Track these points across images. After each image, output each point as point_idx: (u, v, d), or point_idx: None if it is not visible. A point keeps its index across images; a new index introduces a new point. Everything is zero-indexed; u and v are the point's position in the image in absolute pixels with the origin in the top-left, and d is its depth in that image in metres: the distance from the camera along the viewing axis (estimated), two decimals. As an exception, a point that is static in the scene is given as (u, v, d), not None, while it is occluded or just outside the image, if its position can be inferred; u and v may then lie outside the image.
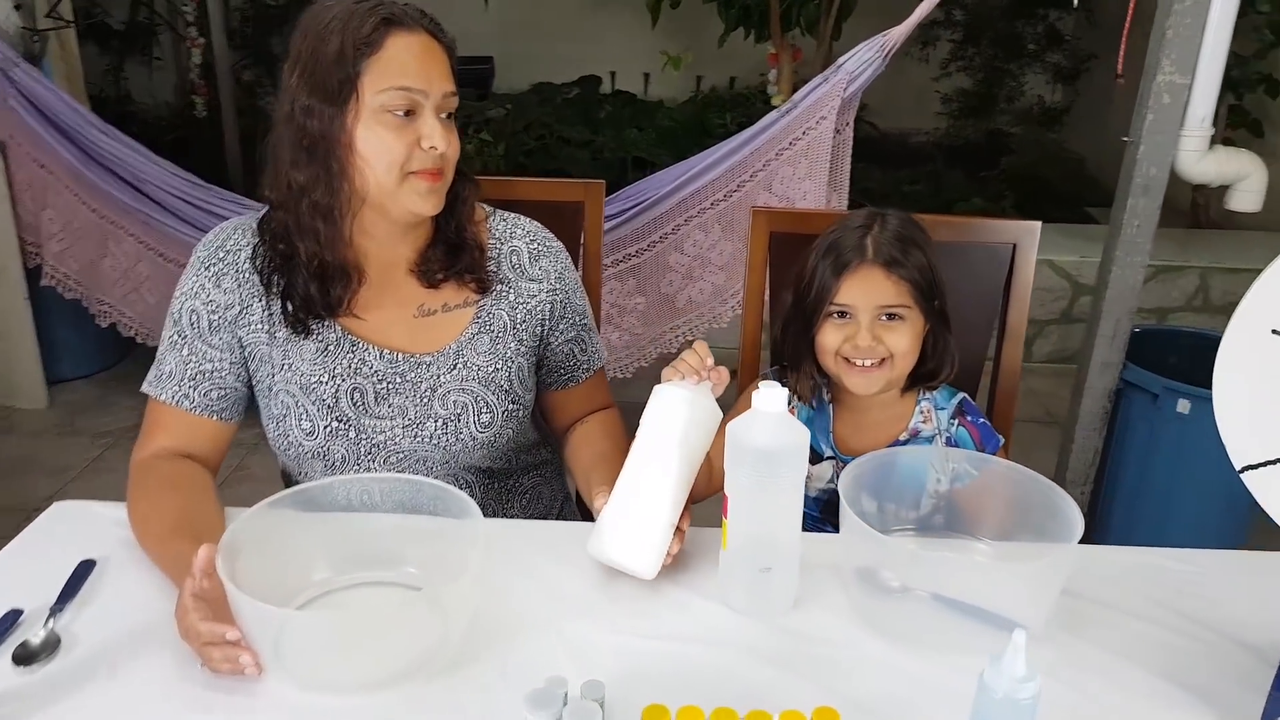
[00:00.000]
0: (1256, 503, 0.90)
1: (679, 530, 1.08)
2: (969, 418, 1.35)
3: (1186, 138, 2.04)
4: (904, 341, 1.27)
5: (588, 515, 1.43)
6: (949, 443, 1.34)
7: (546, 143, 4.85)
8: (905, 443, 1.34)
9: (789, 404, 1.35)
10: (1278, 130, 3.34)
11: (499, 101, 5.26)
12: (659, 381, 1.11)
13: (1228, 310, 3.22)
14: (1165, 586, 1.13)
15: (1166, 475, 2.24)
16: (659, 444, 1.07)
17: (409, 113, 1.13)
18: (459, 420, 1.24)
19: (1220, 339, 0.90)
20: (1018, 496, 1.11)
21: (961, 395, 1.37)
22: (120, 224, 2.66)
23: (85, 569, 1.09)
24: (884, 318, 1.27)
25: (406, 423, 1.23)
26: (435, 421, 1.24)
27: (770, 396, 1.02)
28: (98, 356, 3.38)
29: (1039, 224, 1.51)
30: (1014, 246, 1.51)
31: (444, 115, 1.17)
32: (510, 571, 1.10)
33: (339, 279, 1.20)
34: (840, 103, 2.21)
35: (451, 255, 1.26)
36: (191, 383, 1.22)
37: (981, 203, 4.52)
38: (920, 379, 1.34)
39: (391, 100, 1.12)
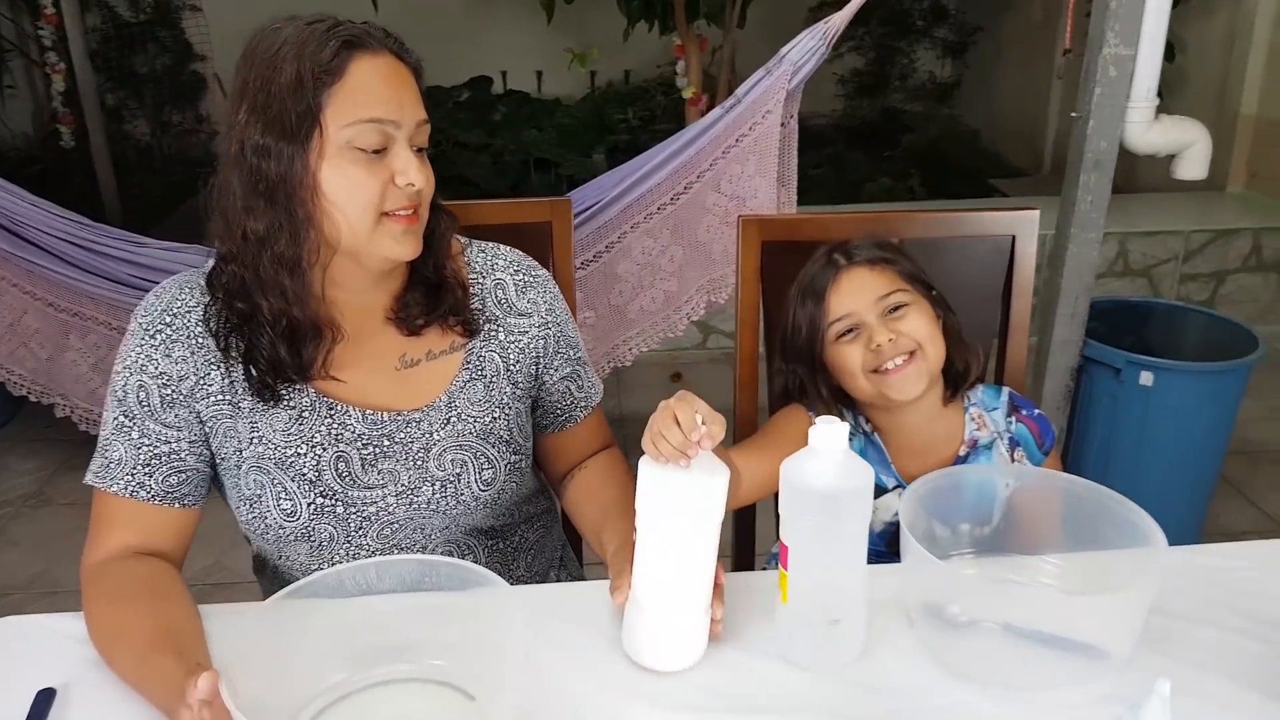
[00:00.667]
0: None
1: (716, 591, 0.99)
2: (1024, 411, 1.29)
3: (1133, 109, 2.03)
4: (922, 325, 1.19)
5: (590, 555, 1.34)
6: (1011, 443, 1.28)
7: (443, 149, 4.67)
8: (966, 456, 1.27)
9: None
10: (1172, 93, 3.42)
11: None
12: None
13: (1147, 273, 3.30)
14: (1222, 587, 1.08)
15: (1132, 449, 2.25)
16: (667, 534, 0.94)
17: (380, 150, 1.01)
18: (459, 480, 1.12)
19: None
20: (1080, 508, 1.05)
21: (1007, 390, 1.31)
22: (82, 314, 2.43)
23: (45, 699, 0.93)
24: (890, 311, 1.20)
25: (400, 489, 1.11)
26: (432, 485, 1.12)
27: (829, 433, 0.92)
28: None
29: (1036, 212, 1.45)
30: (1013, 238, 1.45)
31: (416, 149, 1.05)
32: (544, 649, 0.99)
33: (311, 337, 1.06)
34: (785, 95, 2.13)
35: (432, 297, 1.13)
36: (146, 469, 1.07)
37: (889, 182, 4.54)
38: (956, 382, 1.26)
39: (360, 135, 0.99)
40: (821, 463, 0.93)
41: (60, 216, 2.34)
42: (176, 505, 1.08)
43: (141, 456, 1.06)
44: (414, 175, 1.02)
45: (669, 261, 2.31)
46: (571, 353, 1.23)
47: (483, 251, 1.20)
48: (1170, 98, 2.09)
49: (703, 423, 0.91)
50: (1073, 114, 2.07)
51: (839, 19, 2.09)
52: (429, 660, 0.94)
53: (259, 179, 0.99)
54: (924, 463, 1.26)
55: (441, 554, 1.16)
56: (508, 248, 1.22)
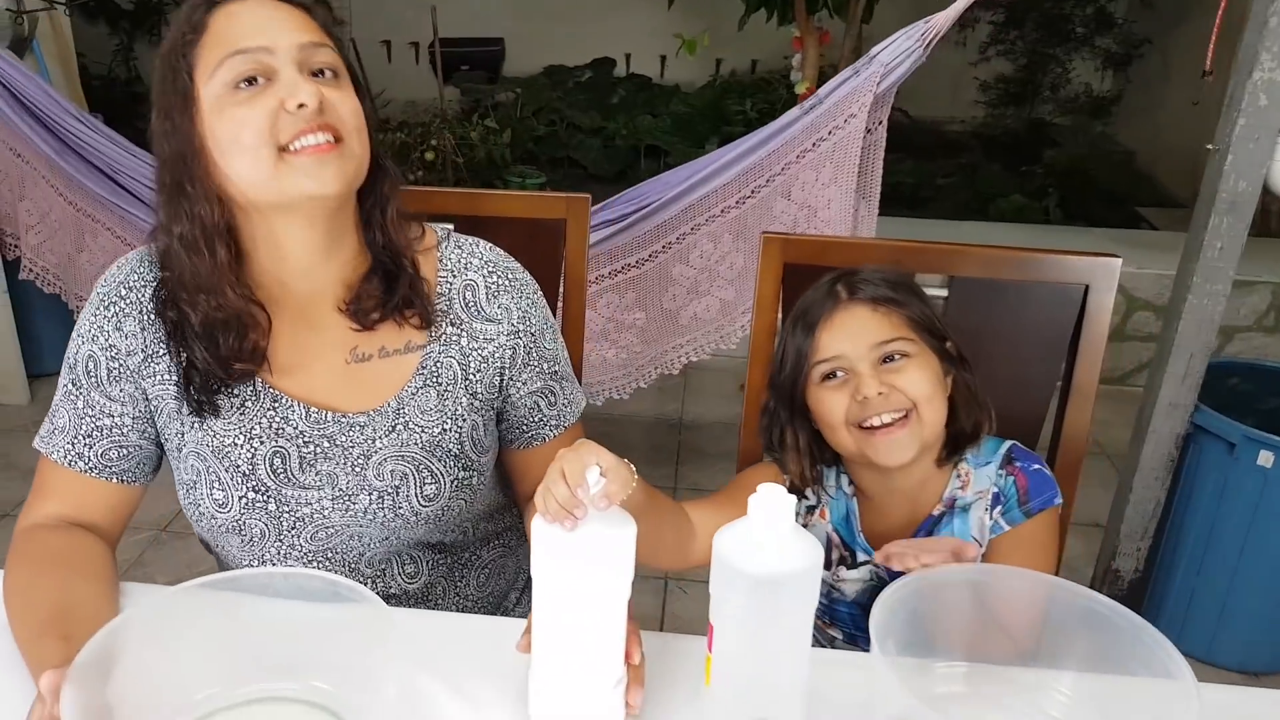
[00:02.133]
0: None
1: (632, 672, 0.86)
2: (1020, 464, 1.09)
3: (1282, 145, 1.73)
4: (921, 383, 1.02)
5: None
6: (995, 500, 1.08)
7: (556, 130, 4.58)
8: (940, 517, 1.08)
9: (814, 502, 1.12)
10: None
11: (509, 85, 5.00)
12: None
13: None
14: None
15: (1238, 537, 1.95)
16: (559, 598, 0.81)
17: (253, 79, 0.92)
18: (397, 493, 1.04)
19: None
20: (1101, 627, 0.85)
21: (1010, 442, 1.11)
22: (96, 217, 2.53)
23: None
24: (886, 360, 1.03)
25: (336, 494, 1.03)
26: (369, 494, 1.03)
27: (771, 504, 0.77)
28: None
29: (1117, 261, 1.22)
30: (1085, 288, 1.22)
31: (316, 72, 0.94)
32: (438, 685, 0.90)
33: (238, 330, 0.99)
34: (873, 99, 1.91)
35: (388, 287, 1.03)
36: (86, 440, 1.04)
37: (1022, 199, 4.21)
38: (958, 443, 1.08)
39: (228, 72, 0.92)
40: (759, 538, 0.78)
41: (124, 150, 2.41)
42: (114, 480, 1.05)
43: (83, 427, 1.04)
44: (303, 94, 0.91)
45: (728, 268, 2.13)
46: (545, 366, 1.11)
47: (459, 247, 1.09)
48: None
49: (602, 475, 0.77)
50: (1209, 146, 1.79)
51: (941, 20, 1.86)
52: (313, 681, 0.87)
53: (171, 165, 0.96)
54: (887, 523, 1.10)
55: (381, 563, 1.09)
56: (488, 245, 1.10)
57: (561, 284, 1.38)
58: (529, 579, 1.22)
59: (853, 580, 1.11)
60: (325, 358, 1.04)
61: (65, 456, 1.04)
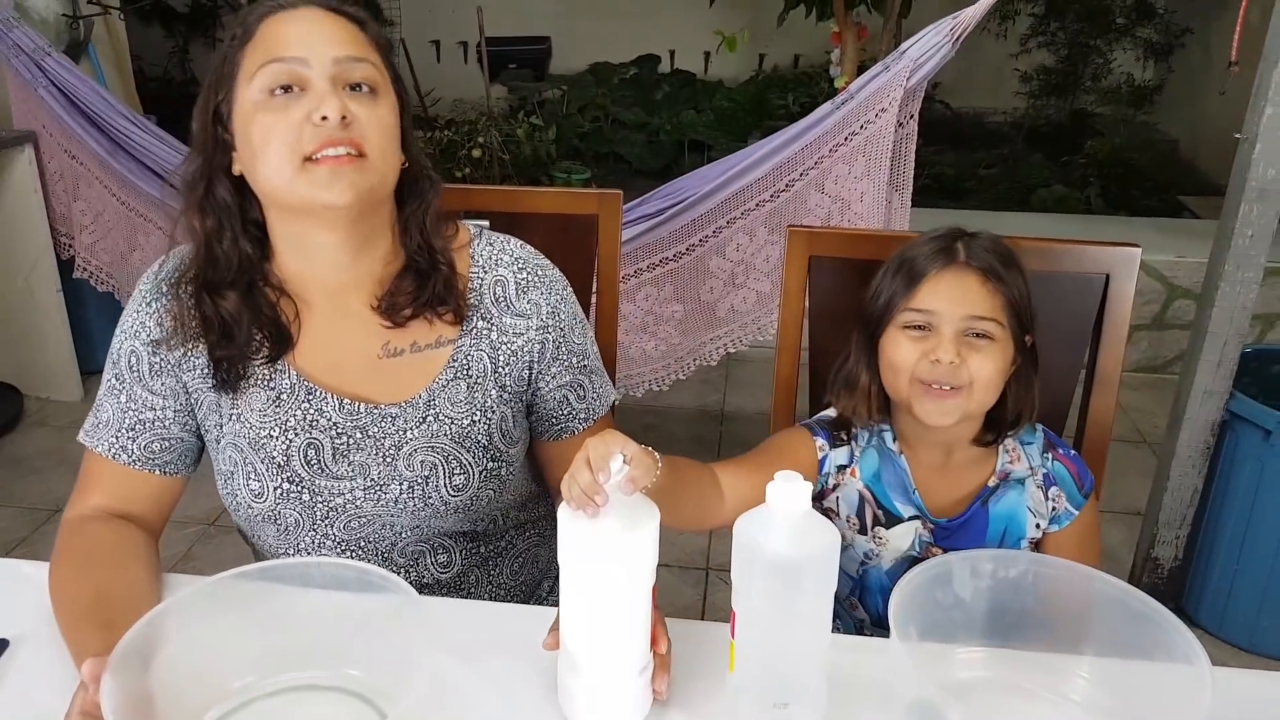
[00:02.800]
0: None
1: (659, 660, 0.88)
2: (1060, 450, 1.14)
3: (1313, 134, 1.74)
4: (989, 369, 1.04)
5: None
6: (1047, 481, 1.13)
7: (601, 126, 4.65)
8: (995, 489, 1.13)
9: (842, 444, 1.15)
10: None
11: (555, 83, 5.07)
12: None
13: None
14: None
15: (1276, 524, 1.95)
16: (585, 586, 0.84)
17: (288, 88, 0.97)
18: (426, 483, 1.06)
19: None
20: (1117, 612, 0.88)
21: (1041, 427, 1.16)
22: (148, 216, 2.61)
23: None
24: (972, 334, 1.05)
25: (368, 484, 1.06)
26: (400, 484, 1.06)
27: (789, 492, 0.80)
28: None
29: (1138, 250, 1.25)
30: (1106, 277, 1.26)
31: (354, 86, 0.99)
32: (471, 674, 0.91)
33: (258, 315, 1.04)
34: (903, 93, 1.96)
35: (420, 285, 1.06)
36: (130, 433, 1.07)
37: (1063, 190, 4.19)
38: (999, 428, 1.11)
39: (265, 79, 0.97)
40: (778, 525, 0.81)
41: (175, 151, 2.49)
42: (158, 472, 1.08)
43: (127, 420, 1.07)
44: (327, 108, 0.95)
45: (764, 261, 2.18)
46: (575, 360, 1.14)
47: (490, 244, 1.13)
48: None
49: (626, 463, 0.80)
50: (1237, 135, 1.80)
51: (969, 15, 1.89)
52: (346, 669, 0.89)
53: (204, 159, 1.01)
54: (950, 491, 1.13)
55: (414, 552, 1.12)
56: (519, 243, 1.14)
57: (595, 279, 1.42)
58: None
59: (894, 541, 1.13)
60: (358, 351, 1.07)
61: (110, 450, 1.06)
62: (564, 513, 0.82)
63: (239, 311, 1.03)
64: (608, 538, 0.81)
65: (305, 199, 0.97)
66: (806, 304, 1.33)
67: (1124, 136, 4.68)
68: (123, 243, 2.70)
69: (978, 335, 1.05)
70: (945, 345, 1.04)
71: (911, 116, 2.01)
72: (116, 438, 1.07)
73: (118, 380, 1.07)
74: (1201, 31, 4.77)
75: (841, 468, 1.15)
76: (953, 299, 1.05)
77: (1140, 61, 4.98)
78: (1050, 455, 1.14)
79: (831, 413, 1.18)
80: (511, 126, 4.12)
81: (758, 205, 2.12)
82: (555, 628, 0.89)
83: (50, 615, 0.96)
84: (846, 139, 2.00)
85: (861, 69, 3.58)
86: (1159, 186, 4.33)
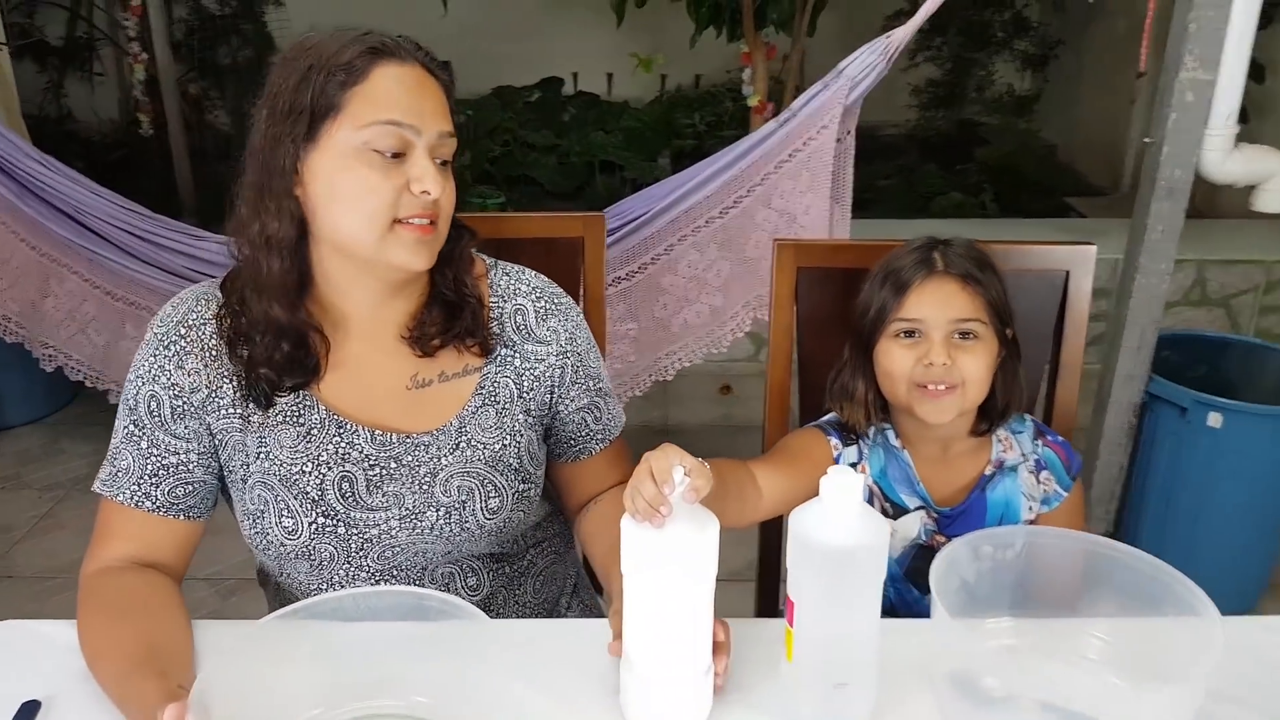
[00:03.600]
0: None
1: (718, 647, 0.93)
2: (1049, 437, 1.25)
3: (1211, 136, 1.92)
4: (979, 366, 1.14)
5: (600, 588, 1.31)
6: (1038, 466, 1.24)
7: (511, 149, 4.67)
8: (992, 476, 1.22)
9: (852, 443, 1.23)
10: (1262, 116, 3.26)
11: (460, 107, 5.06)
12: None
13: (1225, 304, 3.11)
14: (1272, 668, 0.99)
15: (1195, 493, 2.14)
16: (651, 593, 0.88)
17: (398, 154, 1.00)
18: (463, 508, 1.10)
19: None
20: (1123, 573, 0.98)
21: (1029, 416, 1.27)
22: (62, 261, 2.48)
23: (28, 713, 0.92)
24: (958, 336, 1.15)
25: (404, 513, 1.08)
26: (437, 510, 1.09)
27: (843, 485, 0.87)
28: (44, 400, 3.20)
29: (1093, 248, 1.38)
30: (1066, 274, 1.38)
31: (439, 160, 1.03)
32: (536, 694, 0.94)
33: (300, 338, 1.06)
34: (842, 110, 2.07)
35: (449, 316, 1.11)
36: (153, 479, 1.06)
37: (960, 197, 4.42)
38: (991, 419, 1.21)
39: (378, 136, 0.99)
40: (833, 516, 0.87)
41: (122, 207, 2.38)
42: (181, 517, 1.08)
43: (149, 466, 1.06)
44: (430, 183, 1.00)
45: (715, 276, 2.26)
46: (591, 384, 1.20)
47: (507, 274, 1.18)
48: (1259, 121, 1.98)
49: (686, 475, 0.85)
50: (1146, 139, 1.97)
51: (900, 35, 2.02)
52: (412, 696, 0.91)
53: (262, 169, 1.01)
54: (950, 481, 1.22)
55: (444, 576, 1.14)
56: (533, 273, 1.19)
57: (581, 301, 1.47)
58: (577, 582, 1.32)
59: (902, 530, 1.21)
60: (387, 384, 1.10)
61: (132, 498, 1.06)
62: (628, 525, 0.86)
63: (286, 321, 1.04)
64: (673, 544, 0.85)
65: (386, 258, 1.02)
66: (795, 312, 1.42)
67: (1010, 144, 4.96)
68: (34, 289, 2.54)
69: (964, 335, 1.14)
70: (936, 349, 1.13)
71: (849, 132, 2.12)
72: (139, 485, 1.06)
73: (136, 426, 1.07)
74: (1074, 42, 5.11)
75: (852, 465, 1.23)
76: (938, 305, 1.14)
77: (1019, 72, 5.30)
78: (1040, 442, 1.24)
79: (834, 416, 1.27)
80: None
81: (707, 222, 2.20)
82: (617, 634, 0.93)
83: (79, 672, 0.96)
84: (791, 155, 2.10)
85: (771, 87, 3.73)
86: (1044, 190, 4.60)
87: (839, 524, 0.87)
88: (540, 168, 4.55)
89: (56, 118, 4.83)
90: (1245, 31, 1.84)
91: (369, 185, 0.99)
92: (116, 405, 1.10)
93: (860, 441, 1.24)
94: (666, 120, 4.84)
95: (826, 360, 1.39)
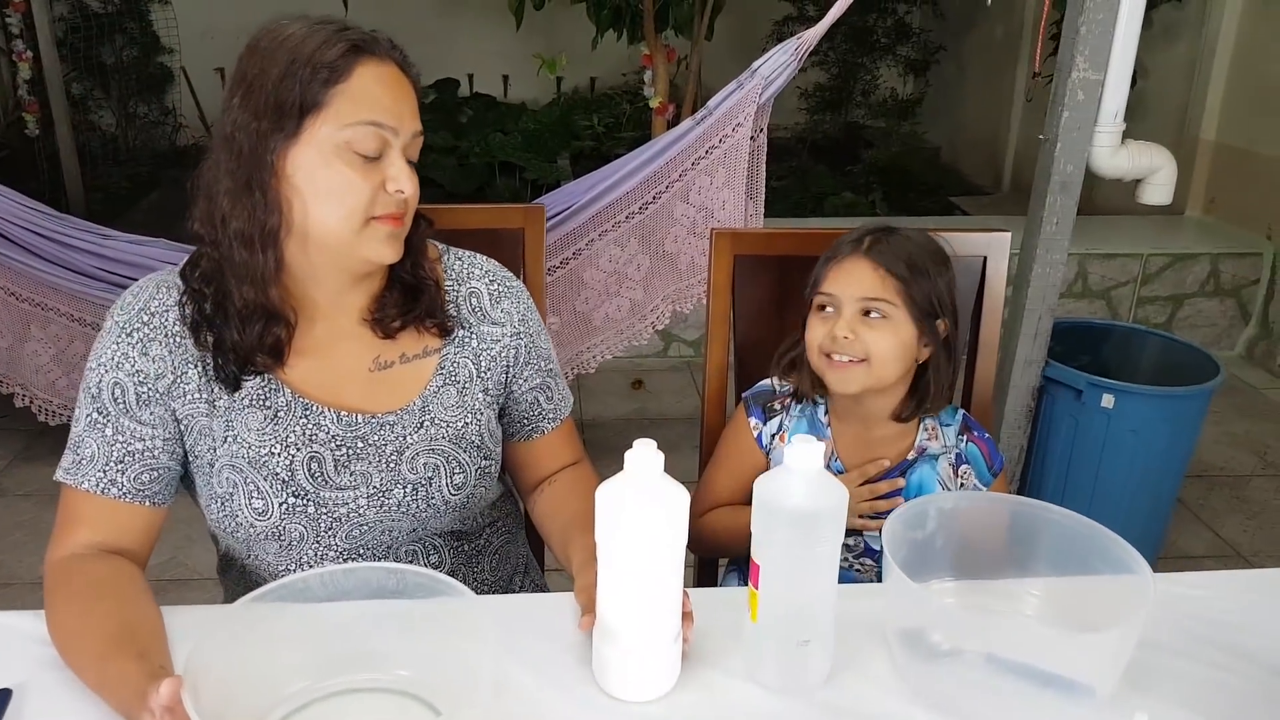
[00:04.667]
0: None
1: (685, 628, 0.97)
2: (975, 433, 1.32)
3: (1101, 133, 2.05)
4: (884, 343, 1.20)
5: (551, 561, 1.34)
6: (959, 460, 1.30)
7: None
8: (913, 461, 1.29)
9: (775, 414, 1.31)
10: (1134, 117, 3.49)
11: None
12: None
13: (1106, 295, 3.29)
14: (1198, 619, 1.08)
15: (1091, 470, 2.27)
16: (628, 563, 0.90)
17: (377, 156, 1.02)
18: (430, 484, 1.12)
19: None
20: (1058, 534, 1.04)
21: (962, 411, 1.33)
22: (45, 305, 2.39)
23: (1, 701, 0.90)
24: (867, 314, 1.21)
25: (371, 491, 1.10)
26: (404, 488, 1.11)
27: (805, 452, 0.91)
28: None
29: (1008, 234, 1.46)
30: (984, 260, 1.45)
31: (408, 159, 1.06)
32: (513, 665, 0.96)
33: (270, 322, 1.06)
34: (756, 109, 2.13)
35: (408, 299, 1.13)
36: (119, 466, 1.06)
37: (851, 196, 4.57)
38: (916, 407, 1.27)
39: (360, 137, 1.01)
40: (795, 481, 0.91)
41: (26, 206, 2.31)
42: (147, 503, 1.08)
43: (114, 453, 1.06)
44: (405, 183, 1.03)
45: (635, 270, 2.30)
46: (542, 364, 1.23)
47: (459, 259, 1.21)
48: (1132, 122, 2.12)
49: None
50: (1040, 136, 2.09)
51: (811, 35, 2.09)
52: (395, 670, 0.92)
53: (239, 159, 1.01)
54: (870, 456, 1.29)
55: (407, 554, 1.16)
56: (484, 257, 1.23)
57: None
58: (528, 563, 1.35)
59: None
60: (350, 366, 1.12)
61: (98, 484, 1.05)
62: (602, 495, 0.89)
63: (259, 305, 1.04)
64: (646, 517, 0.88)
65: (360, 252, 1.05)
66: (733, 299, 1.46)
67: (895, 146, 5.16)
68: (11, 336, 2.43)
69: (870, 313, 1.21)
70: (841, 323, 1.21)
71: (762, 130, 2.19)
72: (105, 472, 1.06)
73: (100, 414, 1.06)
74: (954, 48, 5.35)
75: (773, 436, 1.30)
76: (847, 281, 1.22)
77: (902, 77, 5.51)
78: (965, 437, 1.31)
79: (768, 383, 1.33)
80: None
81: (628, 217, 2.23)
82: (587, 611, 0.96)
83: (48, 660, 0.95)
84: (707, 152, 2.15)
85: (672, 87, 3.80)
86: (930, 189, 4.80)
87: (800, 489, 0.91)
88: (440, 169, 4.52)
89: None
90: (1130, 34, 1.97)
91: (349, 184, 1.01)
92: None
93: (784, 414, 1.30)
94: (565, 122, 4.86)
95: (762, 345, 1.45)
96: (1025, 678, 0.90)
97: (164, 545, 1.11)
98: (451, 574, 1.16)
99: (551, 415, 1.25)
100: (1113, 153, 2.07)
